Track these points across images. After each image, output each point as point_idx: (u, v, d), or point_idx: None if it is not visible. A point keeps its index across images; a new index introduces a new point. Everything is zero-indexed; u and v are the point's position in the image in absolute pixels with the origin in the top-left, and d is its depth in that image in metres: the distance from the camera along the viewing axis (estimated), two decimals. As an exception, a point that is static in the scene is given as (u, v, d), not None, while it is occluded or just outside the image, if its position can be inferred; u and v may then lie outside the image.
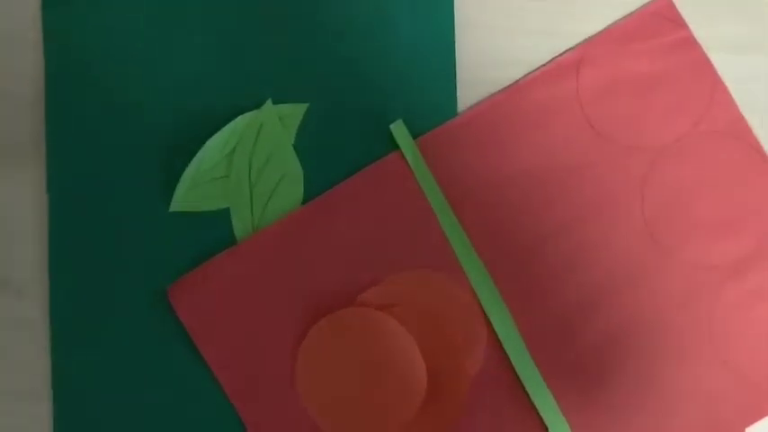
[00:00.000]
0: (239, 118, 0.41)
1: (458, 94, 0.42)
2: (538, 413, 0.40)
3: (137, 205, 0.42)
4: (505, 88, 0.42)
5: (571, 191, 0.42)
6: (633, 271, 0.41)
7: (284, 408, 0.40)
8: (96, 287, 0.41)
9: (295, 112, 0.42)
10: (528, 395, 0.40)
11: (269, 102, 0.41)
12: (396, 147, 0.42)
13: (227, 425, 0.41)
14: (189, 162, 0.41)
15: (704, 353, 0.41)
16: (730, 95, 0.42)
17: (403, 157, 0.41)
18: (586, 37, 0.42)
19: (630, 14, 0.42)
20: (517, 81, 0.42)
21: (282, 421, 0.40)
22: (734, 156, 0.42)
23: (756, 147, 0.42)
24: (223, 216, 0.41)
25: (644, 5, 0.42)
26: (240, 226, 0.41)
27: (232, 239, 0.41)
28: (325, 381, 0.40)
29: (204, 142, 0.41)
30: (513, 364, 0.40)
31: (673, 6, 0.42)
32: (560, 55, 0.42)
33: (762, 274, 0.41)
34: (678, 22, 0.42)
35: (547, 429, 0.40)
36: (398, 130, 0.41)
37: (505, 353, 0.41)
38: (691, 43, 0.42)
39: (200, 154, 0.41)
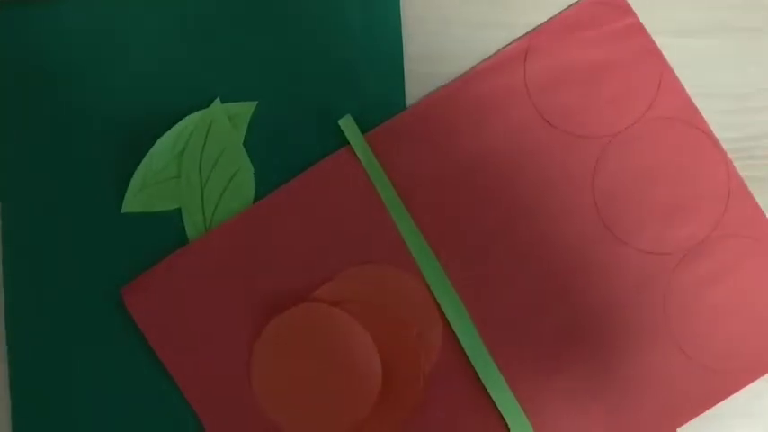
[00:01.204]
0: (188, 118, 0.41)
1: (406, 87, 0.42)
2: (494, 405, 0.40)
3: (89, 207, 0.42)
4: (453, 81, 0.42)
5: (522, 181, 0.42)
6: (587, 259, 0.41)
7: (241, 406, 0.40)
8: (50, 289, 0.41)
9: (244, 111, 0.42)
10: (484, 387, 0.40)
11: (217, 100, 0.42)
12: (346, 142, 0.42)
13: (185, 424, 0.41)
14: (140, 163, 0.41)
15: (660, 339, 0.40)
16: (678, 80, 0.42)
17: (353, 152, 0.42)
18: (534, 27, 0.42)
19: (577, 3, 0.42)
20: (465, 73, 0.42)
21: (239, 419, 0.40)
22: (684, 141, 0.41)
23: (706, 131, 0.41)
24: (176, 216, 0.42)
25: (590, -7, 0.42)
26: (192, 226, 0.41)
27: (185, 239, 0.42)
28: (281, 378, 0.40)
29: (154, 143, 0.41)
30: (469, 356, 0.40)
31: (619, -7, 0.42)
32: (507, 46, 0.42)
33: (714, 258, 0.41)
34: (624, 9, 0.42)
35: (504, 420, 0.40)
36: (347, 125, 0.41)
37: (461, 345, 0.41)
38: (637, 29, 0.42)
39: (149, 155, 0.41)
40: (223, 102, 0.42)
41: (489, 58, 0.42)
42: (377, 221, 0.41)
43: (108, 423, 0.41)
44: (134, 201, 0.41)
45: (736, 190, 0.41)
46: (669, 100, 0.42)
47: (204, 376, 0.41)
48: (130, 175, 0.41)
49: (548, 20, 0.42)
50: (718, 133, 0.42)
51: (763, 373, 0.40)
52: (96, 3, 0.43)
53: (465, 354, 0.41)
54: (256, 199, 0.42)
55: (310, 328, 0.40)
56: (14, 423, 0.41)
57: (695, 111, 0.41)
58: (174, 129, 0.41)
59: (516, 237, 0.41)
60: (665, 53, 0.42)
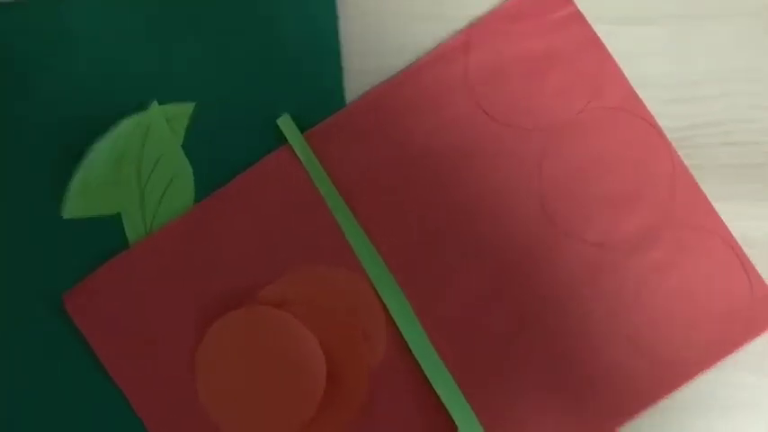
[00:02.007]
0: (125, 121, 0.41)
1: (346, 84, 0.42)
2: (442, 403, 0.40)
3: (28, 213, 0.41)
4: (393, 76, 0.42)
5: (466, 177, 0.41)
6: (534, 254, 0.41)
7: (185, 410, 0.40)
8: (-9, 298, 0.41)
9: (182, 113, 0.42)
10: (432, 386, 0.40)
11: (155, 103, 0.41)
12: (285, 142, 0.41)
13: (130, 430, 0.40)
14: (78, 167, 0.41)
15: (611, 331, 0.40)
16: (620, 70, 0.41)
17: (292, 150, 0.41)
18: (474, 19, 0.42)
19: (516, -6, 0.42)
20: (405, 68, 0.42)
21: (184, 423, 0.40)
22: (628, 131, 0.41)
23: (649, 119, 0.41)
24: (116, 220, 0.41)
25: (528, -16, 0.42)
26: (133, 229, 0.41)
27: (126, 243, 0.41)
28: (225, 382, 0.40)
29: (92, 147, 0.41)
30: (415, 355, 0.40)
31: (558, -17, 0.42)
32: (447, 39, 0.42)
33: (662, 248, 0.40)
34: (564, -1, 0.41)
35: (452, 420, 0.40)
36: (286, 124, 0.41)
37: (407, 345, 0.40)
38: (578, 19, 0.41)
39: (87, 159, 0.41)
40: (160, 104, 0.41)
41: (429, 52, 0.42)
42: (319, 221, 0.41)
43: (51, 429, 0.40)
44: (74, 205, 0.41)
45: (681, 178, 0.41)
46: (612, 90, 0.41)
47: (148, 381, 0.40)
48: (69, 180, 0.41)
49: (488, 12, 0.42)
50: (662, 122, 0.41)
51: (714, 363, 0.40)
52: (28, 5, 0.42)
53: (411, 353, 0.40)
54: (197, 201, 0.41)
55: (254, 330, 0.40)
56: (-43, 433, 0.40)
57: (638, 100, 0.41)
58: (111, 132, 0.41)
59: (461, 233, 0.41)
60: (606, 42, 0.41)
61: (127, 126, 0.41)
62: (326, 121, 0.41)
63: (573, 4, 0.41)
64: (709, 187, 0.41)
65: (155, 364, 0.40)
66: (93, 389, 0.40)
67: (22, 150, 0.42)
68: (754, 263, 0.40)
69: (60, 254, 0.41)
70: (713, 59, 0.41)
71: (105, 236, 0.41)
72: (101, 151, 0.41)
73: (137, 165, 0.41)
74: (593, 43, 0.41)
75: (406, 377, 0.40)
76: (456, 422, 0.39)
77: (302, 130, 0.41)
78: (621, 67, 0.41)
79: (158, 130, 0.41)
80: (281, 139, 0.41)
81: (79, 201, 0.41)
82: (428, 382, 0.40)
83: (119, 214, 0.41)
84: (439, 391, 0.39)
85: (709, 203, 0.40)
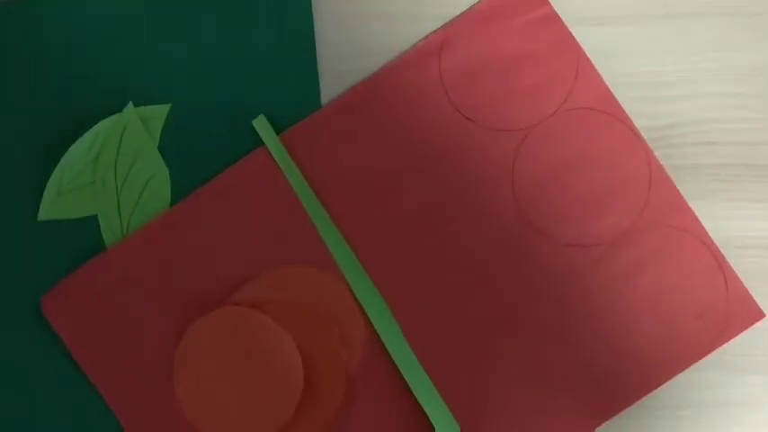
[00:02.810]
0: (101, 122, 0.41)
1: (322, 86, 0.42)
2: (419, 403, 0.40)
3: (4, 215, 0.41)
4: (368, 77, 0.42)
5: (440, 177, 0.41)
6: (508, 254, 0.41)
7: (163, 411, 0.40)
8: (-32, 301, 0.41)
9: (158, 114, 0.42)
10: (409, 386, 0.40)
11: (130, 104, 0.41)
12: (262, 143, 0.41)
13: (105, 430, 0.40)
14: (54, 169, 0.41)
15: (585, 331, 0.40)
16: (596, 70, 0.41)
17: (268, 152, 0.41)
18: (449, 19, 0.42)
19: (491, -5, 0.42)
20: (380, 69, 0.42)
21: (161, 425, 0.40)
22: (603, 131, 0.41)
23: (625, 120, 0.41)
24: (92, 222, 0.41)
25: (503, -16, 0.42)
26: (109, 231, 0.41)
27: (102, 245, 0.41)
28: (203, 383, 0.40)
29: (67, 149, 0.41)
30: (392, 355, 0.40)
31: (533, -16, 0.41)
32: (422, 40, 0.42)
33: (637, 248, 0.40)
34: (539, -1, 0.41)
35: (428, 418, 0.40)
36: (261, 125, 0.41)
37: (384, 345, 0.40)
38: (553, 19, 0.41)
39: (63, 161, 0.41)
40: (136, 105, 0.42)
41: (404, 52, 0.42)
42: (295, 222, 0.41)
43: (30, 431, 0.40)
44: (50, 208, 0.41)
45: (657, 178, 0.40)
46: (587, 90, 0.41)
47: (126, 382, 0.40)
48: (45, 182, 0.41)
49: (463, 12, 0.42)
50: (638, 122, 0.41)
51: (689, 364, 0.39)
52: (2, 4, 0.42)
53: (388, 353, 0.40)
54: (173, 203, 0.41)
55: (230, 331, 0.40)
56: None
57: (614, 100, 0.41)
58: (87, 134, 0.41)
59: (437, 233, 0.41)
60: (581, 42, 0.41)
61: (103, 127, 0.41)
62: (302, 123, 0.41)
63: (548, 5, 0.41)
64: (686, 187, 0.41)
65: (132, 365, 0.40)
66: (71, 391, 0.41)
67: (-2, 153, 0.42)
68: (730, 263, 0.40)
69: (37, 256, 0.41)
70: (689, 59, 0.41)
71: (82, 237, 0.41)
72: (77, 153, 0.41)
73: (113, 166, 0.41)
74: (569, 43, 0.41)
75: (383, 378, 0.40)
76: (433, 422, 0.39)
77: (278, 131, 0.41)
78: (597, 67, 0.41)
79: (134, 131, 0.41)
80: (257, 141, 0.41)
81: (55, 202, 0.41)
82: (405, 383, 0.40)
83: (95, 216, 0.41)
84: (416, 392, 0.39)
85: (686, 203, 0.40)
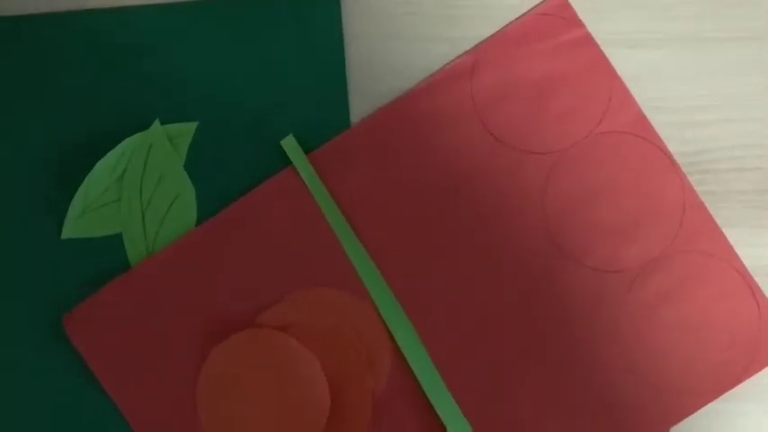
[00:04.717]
0: (127, 140, 0.41)
1: (352, 106, 0.41)
2: (446, 429, 0.39)
3: (28, 234, 0.41)
4: (399, 97, 0.41)
5: (471, 199, 0.40)
6: (538, 278, 0.40)
7: (186, 434, 0.40)
8: (-10, 319, 0.41)
9: (185, 132, 0.41)
10: (435, 411, 0.39)
11: (157, 122, 0.41)
12: (289, 162, 0.41)
13: (129, 454, 0.40)
14: (78, 187, 0.40)
15: (611, 360, 0.39)
16: (629, 93, 0.41)
17: (296, 172, 0.41)
18: (480, 41, 0.41)
19: (524, 15, 0.41)
20: (410, 89, 0.41)
21: (185, 448, 0.39)
22: (637, 156, 0.40)
23: (659, 144, 0.40)
24: (117, 241, 0.41)
25: (537, 5, 0.41)
26: (134, 250, 0.40)
27: (127, 264, 0.41)
28: (227, 405, 0.39)
29: (93, 166, 0.40)
30: (419, 379, 0.39)
31: (567, 5, 0.41)
32: (454, 60, 0.41)
33: (668, 275, 0.40)
34: (573, 21, 0.41)
35: (455, 445, 0.39)
36: (289, 144, 0.40)
37: (411, 370, 0.40)
38: (587, 41, 0.41)
39: (88, 179, 0.40)
40: (163, 123, 0.41)
41: (435, 73, 0.41)
42: (322, 243, 0.40)
43: (50, 454, 0.40)
44: (74, 226, 0.40)
45: (691, 204, 0.40)
46: (620, 114, 0.40)
47: (149, 403, 0.40)
48: (69, 200, 0.41)
49: (494, 33, 0.41)
50: (672, 147, 0.40)
51: (720, 394, 0.39)
52: (27, 23, 0.42)
53: (416, 378, 0.40)
54: (199, 222, 0.41)
55: (255, 353, 0.39)
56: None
57: (647, 124, 0.40)
58: (113, 151, 0.40)
59: (466, 256, 0.40)
60: (615, 65, 0.41)
61: (129, 145, 0.40)
62: (331, 143, 0.41)
63: (583, 27, 0.41)
64: (718, 213, 0.40)
65: (156, 386, 0.40)
66: (93, 411, 0.40)
67: (23, 171, 0.41)
68: (763, 290, 0.39)
69: (61, 275, 0.41)
70: (722, 84, 0.41)
71: (106, 256, 0.41)
72: (102, 171, 0.40)
73: (139, 185, 0.40)
74: (603, 66, 0.41)
75: (410, 403, 0.40)
76: (459, 449, 0.39)
77: (306, 151, 0.41)
78: (631, 90, 0.41)
79: (161, 149, 0.41)
80: (285, 161, 0.41)
81: (80, 221, 0.40)
82: (432, 409, 0.39)
83: (119, 234, 0.41)
84: (443, 418, 0.39)
85: (719, 230, 0.40)
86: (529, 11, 0.41)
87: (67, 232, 0.40)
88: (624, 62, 0.41)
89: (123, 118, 0.41)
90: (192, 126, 0.41)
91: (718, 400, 0.39)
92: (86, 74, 0.41)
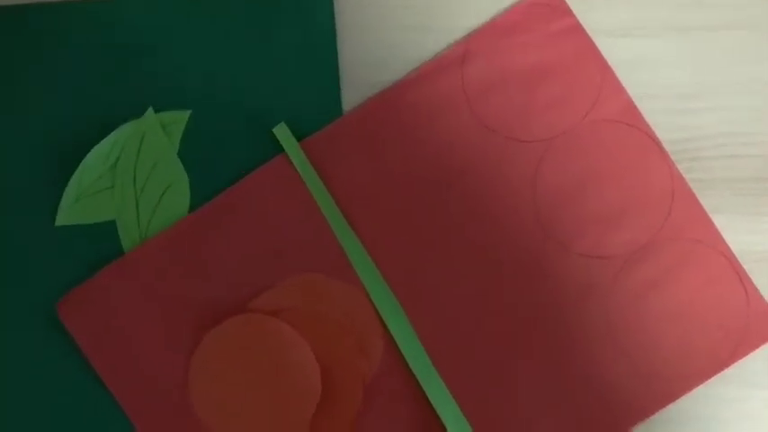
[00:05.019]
0: (121, 128, 0.41)
1: (344, 96, 0.42)
2: (438, 416, 0.40)
3: (23, 220, 0.41)
4: (390, 86, 0.41)
5: (462, 187, 0.41)
6: (528, 265, 0.40)
7: (179, 418, 0.40)
8: (-16, 305, 0.41)
9: (178, 120, 0.41)
10: (427, 398, 0.40)
11: (150, 110, 0.41)
12: (282, 150, 0.41)
13: (123, 438, 0.40)
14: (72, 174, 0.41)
15: (604, 345, 0.40)
16: (619, 82, 0.41)
17: (288, 159, 0.41)
18: (471, 30, 0.42)
19: (514, 5, 0.41)
20: (402, 78, 0.41)
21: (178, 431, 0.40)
22: (626, 144, 0.41)
23: (649, 133, 0.41)
24: (111, 227, 0.41)
25: (527, -5, 0.42)
26: (127, 237, 0.41)
27: (120, 250, 0.41)
28: (219, 389, 0.40)
29: (87, 154, 0.41)
30: (410, 364, 0.40)
31: (557, -6, 0.41)
32: (445, 50, 0.42)
33: (657, 262, 0.40)
34: (563, 10, 0.41)
35: (446, 430, 0.39)
36: (282, 132, 0.41)
37: (403, 355, 0.40)
38: (577, 30, 0.41)
39: (82, 166, 0.41)
40: (156, 111, 0.41)
41: (426, 63, 0.41)
42: (314, 230, 0.41)
43: (44, 438, 0.40)
44: (68, 213, 0.41)
45: (680, 192, 0.40)
46: (610, 102, 0.41)
47: (142, 389, 0.40)
48: (63, 187, 0.41)
49: (486, 23, 0.42)
50: (661, 135, 0.41)
51: (708, 378, 0.39)
52: (22, 12, 0.42)
53: (407, 364, 0.40)
54: (192, 209, 0.41)
55: (248, 338, 0.40)
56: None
57: (637, 112, 0.41)
58: (107, 139, 0.41)
59: (457, 243, 0.41)
60: (605, 54, 0.41)
61: (122, 133, 0.41)
62: (323, 131, 0.41)
63: (572, 16, 0.41)
64: (707, 200, 0.40)
65: (148, 371, 0.40)
66: (87, 397, 0.40)
67: (18, 158, 0.41)
68: (751, 277, 0.40)
69: (54, 261, 0.41)
70: (713, 72, 0.41)
71: (99, 243, 0.41)
72: (96, 158, 0.41)
73: (132, 172, 0.41)
74: (593, 55, 0.41)
75: (400, 388, 0.40)
76: (450, 433, 0.39)
77: (298, 138, 0.41)
78: (621, 78, 0.41)
79: (154, 137, 0.41)
80: (278, 148, 0.41)
81: (74, 208, 0.41)
82: (424, 394, 0.40)
83: (113, 221, 0.41)
84: (434, 402, 0.39)
85: (707, 217, 0.40)
86: (519, 1, 0.42)
87: (62, 219, 0.41)
88: (614, 51, 0.41)
89: (117, 106, 0.41)
90: (185, 114, 0.41)
91: (707, 383, 0.39)
92: (81, 62, 0.42)
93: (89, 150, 0.41)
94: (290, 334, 0.40)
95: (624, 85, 0.41)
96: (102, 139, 0.41)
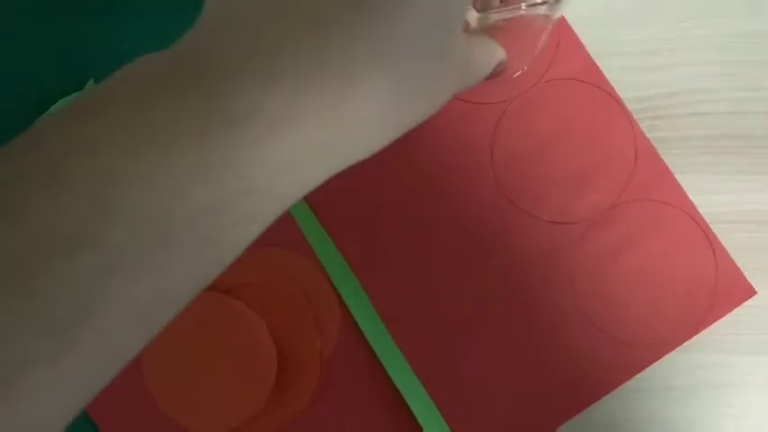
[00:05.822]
0: (62, 101, 0.39)
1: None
2: (397, 389, 0.38)
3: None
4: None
5: (418, 152, 0.39)
6: (490, 233, 0.39)
7: (134, 401, 0.39)
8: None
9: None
10: (386, 371, 0.38)
11: (91, 82, 0.39)
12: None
13: (77, 426, 0.39)
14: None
15: (571, 312, 0.38)
16: (578, 38, 0.39)
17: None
18: None
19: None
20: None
21: (133, 415, 0.38)
22: (586, 103, 0.39)
23: (609, 90, 0.39)
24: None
25: (481, -49, 0.40)
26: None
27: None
28: (174, 370, 0.38)
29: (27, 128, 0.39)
30: (369, 340, 0.38)
31: (512, -51, 0.40)
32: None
33: (623, 224, 0.39)
34: (517, -34, 0.39)
35: (407, 404, 0.38)
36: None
37: (360, 329, 0.39)
38: (532, -13, 0.39)
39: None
40: (97, 82, 0.40)
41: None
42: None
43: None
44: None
45: (643, 151, 0.39)
46: (569, 60, 0.39)
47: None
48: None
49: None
50: (622, 93, 0.39)
51: (678, 344, 0.38)
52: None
53: (365, 338, 0.39)
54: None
55: (201, 316, 0.38)
56: None
57: (597, 70, 0.39)
58: (48, 113, 0.39)
59: (414, 210, 0.39)
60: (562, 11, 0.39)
61: (60, 107, 0.39)
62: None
63: (527, -29, 0.39)
64: (673, 160, 0.39)
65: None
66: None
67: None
68: (719, 238, 0.38)
69: None
70: (675, 26, 0.40)
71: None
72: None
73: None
74: (550, 11, 0.39)
75: (359, 362, 0.39)
76: (412, 408, 0.38)
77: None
78: (579, 35, 0.39)
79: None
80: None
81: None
82: (383, 369, 0.38)
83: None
84: (394, 378, 0.38)
85: (673, 177, 0.39)
86: (473, -43, 0.40)
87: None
88: (572, 6, 0.39)
89: (58, 79, 0.40)
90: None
91: (677, 350, 0.38)
92: (19, 32, 0.40)
93: (26, 127, 0.39)
94: (244, 311, 0.38)
95: (583, 43, 0.39)
96: (43, 113, 0.39)
